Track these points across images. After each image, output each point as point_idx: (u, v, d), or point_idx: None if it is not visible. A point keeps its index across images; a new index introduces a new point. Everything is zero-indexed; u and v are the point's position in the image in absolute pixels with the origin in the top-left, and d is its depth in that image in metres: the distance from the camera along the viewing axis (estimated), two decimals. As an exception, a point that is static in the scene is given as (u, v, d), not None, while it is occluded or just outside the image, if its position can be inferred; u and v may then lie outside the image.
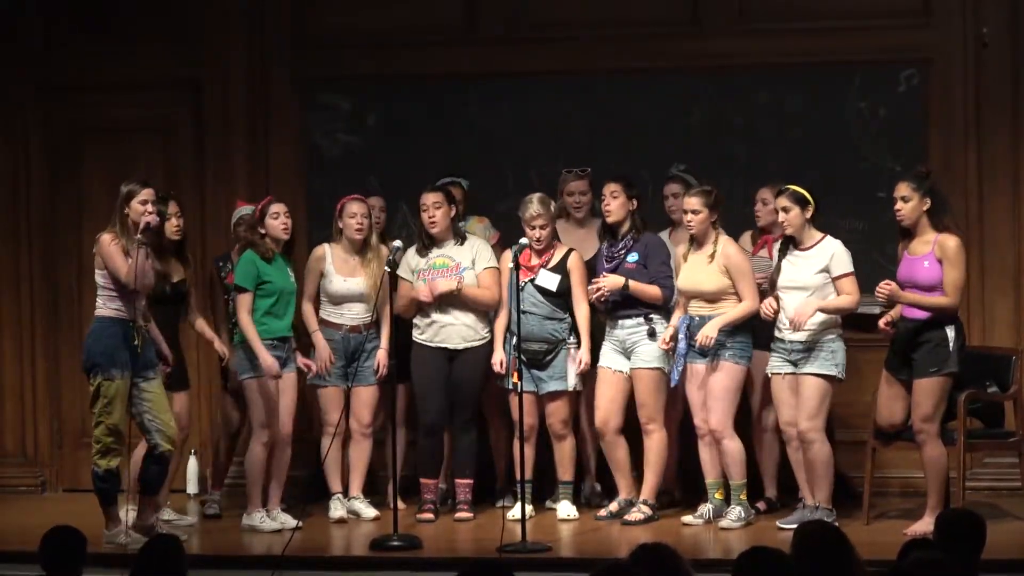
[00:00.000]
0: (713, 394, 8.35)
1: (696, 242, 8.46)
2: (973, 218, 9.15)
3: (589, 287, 8.55)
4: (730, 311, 8.32)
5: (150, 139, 9.93)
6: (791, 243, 8.25)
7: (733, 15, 9.50)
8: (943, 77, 9.31)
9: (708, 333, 8.27)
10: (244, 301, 8.49)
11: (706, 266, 8.38)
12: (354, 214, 8.75)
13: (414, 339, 8.78)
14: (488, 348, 8.77)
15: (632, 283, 8.46)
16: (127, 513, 8.04)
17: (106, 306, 8.02)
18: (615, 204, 8.59)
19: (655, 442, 8.53)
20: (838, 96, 9.40)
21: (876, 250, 9.05)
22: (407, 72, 9.73)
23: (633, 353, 8.55)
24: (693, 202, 8.40)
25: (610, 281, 8.48)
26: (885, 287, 7.89)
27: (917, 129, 9.34)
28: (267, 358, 8.43)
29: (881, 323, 8.20)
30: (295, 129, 9.85)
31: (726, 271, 8.35)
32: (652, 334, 8.51)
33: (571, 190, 9.06)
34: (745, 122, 9.48)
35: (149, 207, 7.96)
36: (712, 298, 8.37)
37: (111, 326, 7.99)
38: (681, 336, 8.36)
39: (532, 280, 8.61)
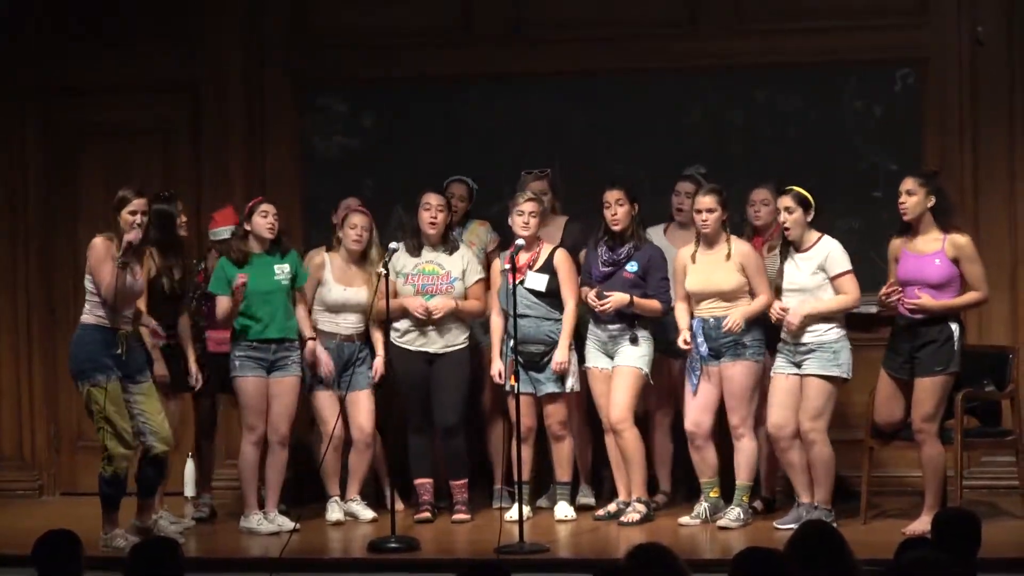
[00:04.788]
0: (734, 394, 8.32)
1: (706, 242, 8.42)
2: (969, 216, 9.14)
3: (593, 304, 8.50)
4: (752, 304, 8.30)
5: (147, 141, 9.92)
6: (791, 245, 8.25)
7: (730, 15, 9.51)
8: (939, 76, 9.32)
9: (736, 320, 8.24)
10: (220, 304, 8.51)
11: (723, 264, 8.34)
12: (355, 225, 8.72)
13: (393, 342, 8.71)
14: (468, 352, 8.79)
15: (637, 300, 8.46)
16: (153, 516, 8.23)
17: (91, 312, 8.01)
18: (621, 212, 8.55)
19: (629, 440, 8.49)
20: (834, 95, 9.40)
21: (873, 249, 9.01)
22: (404, 74, 9.72)
23: (616, 353, 8.55)
24: (708, 201, 8.36)
25: (616, 299, 8.45)
26: (915, 301, 7.89)
27: (913, 128, 9.35)
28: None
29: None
30: (292, 131, 9.85)
31: (742, 269, 8.33)
32: (634, 340, 8.50)
33: (532, 190, 8.95)
34: (742, 122, 9.48)
35: (138, 219, 7.91)
36: (730, 297, 8.33)
37: (92, 333, 7.98)
38: (700, 340, 8.34)
39: (522, 282, 8.57)
